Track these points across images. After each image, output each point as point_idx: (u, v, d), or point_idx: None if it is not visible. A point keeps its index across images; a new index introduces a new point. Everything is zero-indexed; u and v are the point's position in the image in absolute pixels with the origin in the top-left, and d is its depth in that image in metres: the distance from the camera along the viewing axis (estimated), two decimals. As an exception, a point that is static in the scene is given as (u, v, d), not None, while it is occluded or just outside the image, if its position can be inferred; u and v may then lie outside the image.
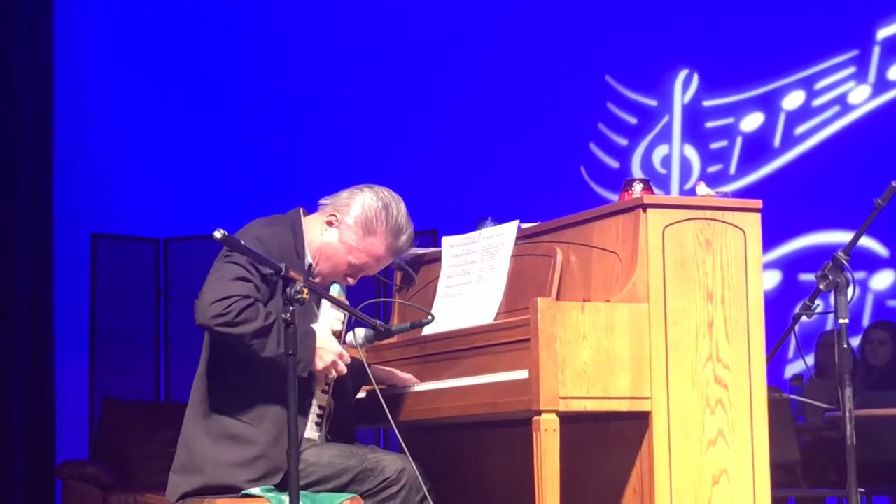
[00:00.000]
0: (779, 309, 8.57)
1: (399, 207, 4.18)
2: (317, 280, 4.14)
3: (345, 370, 4.03)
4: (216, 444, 3.97)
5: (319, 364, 3.97)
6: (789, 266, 10.35)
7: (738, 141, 10.73)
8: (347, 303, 4.07)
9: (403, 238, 4.19)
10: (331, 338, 4.02)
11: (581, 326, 3.80)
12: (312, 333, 3.96)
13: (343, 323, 4.10)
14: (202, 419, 4.03)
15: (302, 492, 3.89)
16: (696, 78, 10.76)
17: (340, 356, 4.01)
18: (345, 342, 4.13)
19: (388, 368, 4.35)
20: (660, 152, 10.80)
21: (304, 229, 4.14)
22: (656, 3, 10.63)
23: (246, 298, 3.87)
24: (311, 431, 4.06)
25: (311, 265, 4.12)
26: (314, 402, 4.07)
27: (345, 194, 4.20)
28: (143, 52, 10.17)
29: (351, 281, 4.20)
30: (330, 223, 4.15)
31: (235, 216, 9.36)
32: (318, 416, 4.08)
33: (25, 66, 8.99)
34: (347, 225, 4.14)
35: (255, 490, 3.91)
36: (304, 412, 4.00)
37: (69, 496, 8.22)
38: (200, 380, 4.09)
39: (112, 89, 10.09)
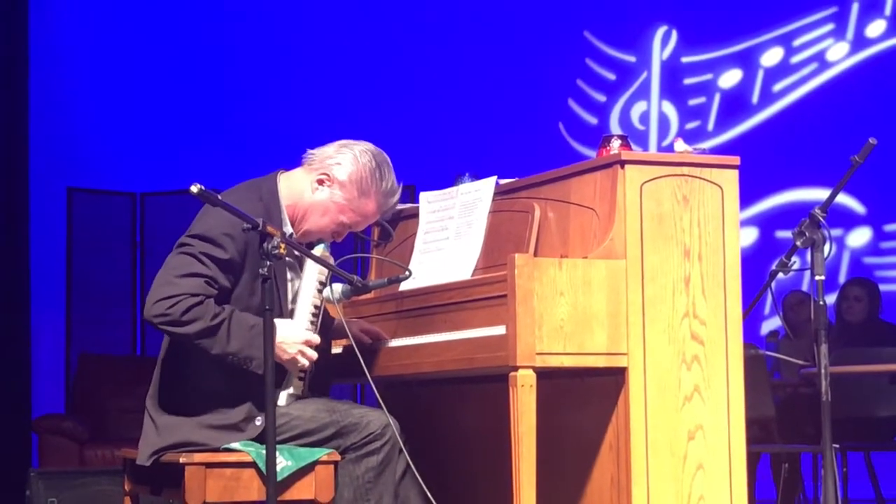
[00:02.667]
0: (756, 266, 8.61)
1: (389, 167, 4.15)
2: (303, 238, 4.12)
3: (314, 356, 3.99)
4: (188, 408, 3.95)
5: (284, 356, 3.93)
6: (766, 223, 10.38)
7: (717, 97, 10.73)
8: (332, 260, 4.05)
9: (393, 199, 4.18)
10: (293, 328, 3.97)
11: (558, 282, 3.80)
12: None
13: (326, 279, 4.08)
14: (172, 387, 4.00)
15: (282, 446, 3.90)
16: (674, 34, 10.75)
17: (306, 343, 3.97)
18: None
19: (358, 322, 4.34)
20: (638, 109, 10.80)
21: (282, 194, 4.07)
22: (635, -41, 10.62)
23: (193, 297, 3.83)
24: (294, 387, 4.05)
25: (291, 234, 4.09)
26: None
27: (332, 150, 4.14)
28: (119, 5, 10.11)
29: (338, 239, 4.19)
30: (321, 182, 4.10)
31: (212, 171, 9.38)
32: (301, 370, 4.07)
33: None
34: (341, 183, 4.09)
35: (235, 444, 3.91)
36: (279, 384, 3.97)
37: (46, 450, 8.22)
38: (169, 348, 4.06)
39: (88, 42, 10.03)
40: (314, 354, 3.99)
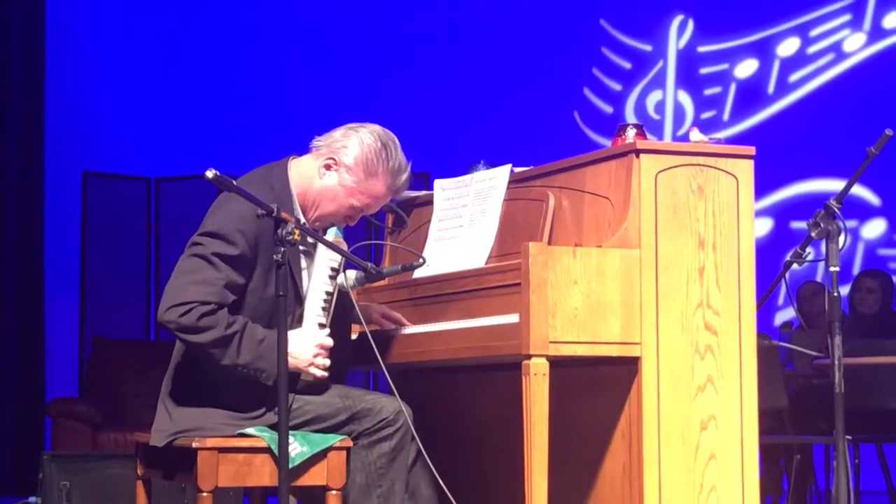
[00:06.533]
0: (770, 256, 8.60)
1: (396, 145, 4.13)
2: (315, 224, 4.12)
3: (327, 363, 3.98)
4: (204, 403, 3.95)
5: (299, 365, 3.92)
6: (781, 213, 10.37)
7: (732, 87, 10.71)
8: (345, 246, 4.04)
9: (403, 177, 4.15)
10: (303, 338, 3.94)
11: (572, 271, 3.80)
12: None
13: (339, 265, 4.07)
14: (184, 381, 4.00)
15: (296, 431, 3.90)
16: (690, 23, 10.73)
17: (320, 347, 3.96)
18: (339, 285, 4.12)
19: (380, 307, 4.34)
20: (653, 98, 10.78)
21: (292, 182, 4.07)
22: (652, -52, 10.60)
23: (205, 305, 3.81)
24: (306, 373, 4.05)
25: (303, 222, 4.08)
26: None
27: (338, 134, 4.13)
28: (135, -11, 10.12)
29: (350, 223, 4.18)
30: (328, 167, 4.09)
31: (227, 156, 9.39)
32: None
33: (16, 4, 8.94)
34: (347, 167, 4.09)
35: (250, 430, 3.92)
36: (292, 388, 3.97)
37: (59, 434, 8.24)
38: (180, 350, 4.06)
39: (104, 27, 10.04)
40: (327, 362, 3.98)
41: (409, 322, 4.25)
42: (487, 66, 10.37)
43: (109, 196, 9.45)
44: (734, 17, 10.63)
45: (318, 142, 4.15)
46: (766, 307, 6.59)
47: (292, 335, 3.89)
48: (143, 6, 10.12)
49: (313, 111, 9.84)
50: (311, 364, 3.94)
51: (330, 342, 3.99)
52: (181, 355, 4.05)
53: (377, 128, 4.14)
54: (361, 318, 4.13)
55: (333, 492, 3.94)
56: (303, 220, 4.07)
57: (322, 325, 4.04)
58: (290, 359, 3.81)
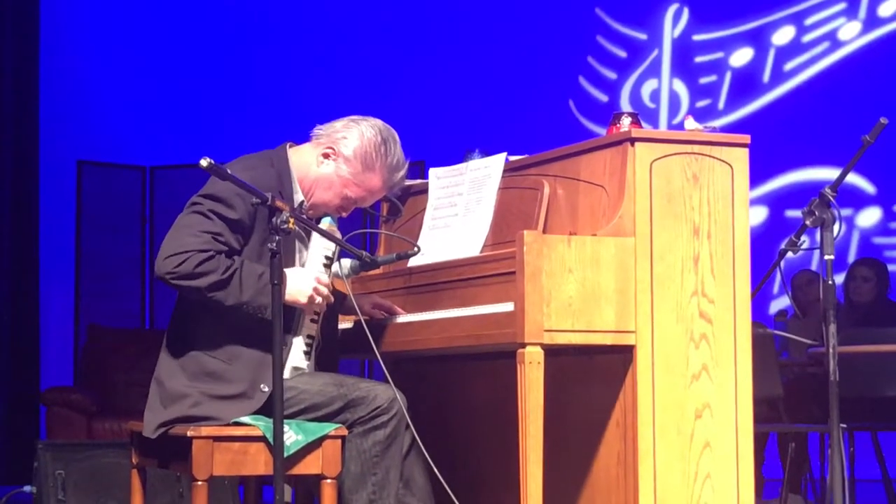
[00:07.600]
0: (765, 245, 8.60)
1: (396, 142, 4.15)
2: (309, 212, 4.12)
3: (326, 291, 4.00)
4: (194, 380, 3.96)
5: (301, 300, 3.95)
6: (776, 202, 10.37)
7: (728, 76, 10.71)
8: (339, 234, 4.05)
9: (400, 174, 4.18)
10: (299, 272, 3.98)
11: (567, 260, 3.80)
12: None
13: (334, 254, 4.08)
14: (178, 359, 4.01)
15: (291, 420, 3.90)
16: (686, 12, 10.73)
17: (317, 279, 3.98)
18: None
19: (371, 298, 4.35)
20: (649, 86, 10.78)
21: (292, 164, 4.09)
22: (647, -64, 10.59)
23: (201, 252, 3.85)
24: (300, 361, 4.05)
25: (301, 202, 4.09)
26: (304, 331, 4.06)
27: (340, 125, 4.15)
28: (130, -22, 10.11)
29: (343, 213, 4.19)
30: (326, 155, 4.11)
31: (222, 145, 9.38)
32: (308, 345, 4.08)
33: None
34: (346, 158, 4.10)
35: (245, 418, 3.92)
36: (289, 329, 3.98)
37: (53, 422, 8.24)
38: (175, 321, 4.07)
39: (98, 16, 10.03)
40: (325, 290, 4.00)
41: (404, 310, 4.25)
42: (482, 54, 10.37)
43: (104, 185, 9.44)
44: (729, 6, 10.63)
45: (319, 130, 4.17)
46: (760, 296, 6.59)
47: (289, 274, 3.93)
48: (137, -5, 10.11)
49: (308, 100, 9.83)
50: (312, 294, 3.95)
51: (325, 278, 4.02)
52: (172, 335, 4.06)
53: (379, 122, 4.16)
54: (356, 305, 4.13)
55: (328, 480, 3.94)
56: (302, 198, 4.08)
57: (316, 314, 4.05)
58: (290, 292, 3.88)
